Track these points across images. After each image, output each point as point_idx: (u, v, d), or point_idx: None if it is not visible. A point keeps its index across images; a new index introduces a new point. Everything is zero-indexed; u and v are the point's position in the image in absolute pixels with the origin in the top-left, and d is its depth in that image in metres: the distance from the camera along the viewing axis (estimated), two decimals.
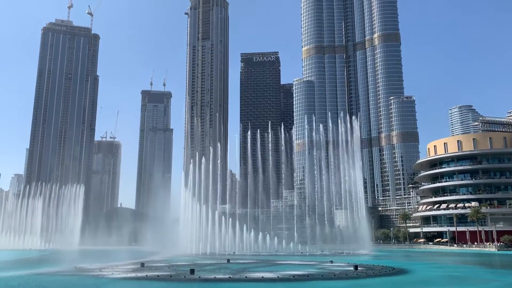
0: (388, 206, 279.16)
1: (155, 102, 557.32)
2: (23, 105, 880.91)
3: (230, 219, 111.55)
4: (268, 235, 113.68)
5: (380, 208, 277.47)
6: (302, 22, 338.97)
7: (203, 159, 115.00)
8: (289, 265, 63.43)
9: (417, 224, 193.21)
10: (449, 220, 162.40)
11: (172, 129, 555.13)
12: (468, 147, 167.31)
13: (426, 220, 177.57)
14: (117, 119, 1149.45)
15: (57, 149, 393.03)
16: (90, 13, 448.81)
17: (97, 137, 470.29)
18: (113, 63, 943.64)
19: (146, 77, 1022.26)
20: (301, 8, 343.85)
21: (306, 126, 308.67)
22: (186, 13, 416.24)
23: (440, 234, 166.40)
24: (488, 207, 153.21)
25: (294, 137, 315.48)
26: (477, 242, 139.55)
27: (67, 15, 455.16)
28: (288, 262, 69.96)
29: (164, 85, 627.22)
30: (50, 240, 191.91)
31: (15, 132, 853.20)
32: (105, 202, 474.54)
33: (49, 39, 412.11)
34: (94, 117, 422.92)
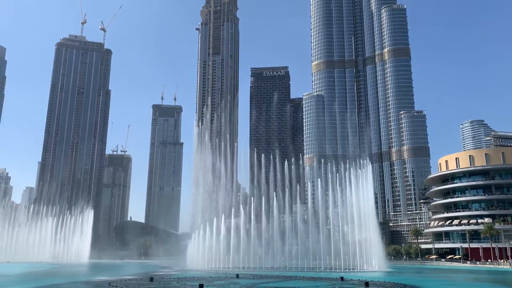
0: (399, 221, 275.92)
1: (165, 116, 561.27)
2: (35, 119, 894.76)
3: (240, 233, 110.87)
4: (278, 250, 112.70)
5: (391, 224, 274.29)
6: (312, 37, 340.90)
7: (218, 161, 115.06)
8: (298, 280, 62.70)
9: (429, 240, 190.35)
10: (461, 236, 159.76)
11: (182, 143, 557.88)
12: (480, 162, 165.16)
13: (438, 236, 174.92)
14: (128, 133, 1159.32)
15: (69, 162, 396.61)
16: (103, 29, 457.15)
17: (108, 151, 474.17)
18: (125, 77, 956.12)
19: (157, 91, 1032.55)
20: (311, 23, 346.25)
21: (316, 141, 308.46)
22: (197, 29, 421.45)
23: (453, 251, 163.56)
24: (502, 224, 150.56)
25: (304, 151, 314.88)
26: (490, 259, 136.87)
27: (80, 31, 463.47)
28: (298, 277, 69.18)
29: (175, 99, 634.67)
30: (60, 253, 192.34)
31: (28, 145, 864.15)
32: (115, 215, 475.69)
33: (62, 54, 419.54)
34: (105, 131, 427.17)
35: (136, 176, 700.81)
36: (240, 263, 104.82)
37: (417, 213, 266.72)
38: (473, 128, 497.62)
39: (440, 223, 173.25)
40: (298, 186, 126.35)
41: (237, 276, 66.92)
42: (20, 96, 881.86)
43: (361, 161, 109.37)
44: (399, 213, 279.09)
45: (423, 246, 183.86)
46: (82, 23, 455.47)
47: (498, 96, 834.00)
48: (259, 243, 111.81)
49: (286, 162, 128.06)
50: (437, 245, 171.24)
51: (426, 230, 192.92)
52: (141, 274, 71.90)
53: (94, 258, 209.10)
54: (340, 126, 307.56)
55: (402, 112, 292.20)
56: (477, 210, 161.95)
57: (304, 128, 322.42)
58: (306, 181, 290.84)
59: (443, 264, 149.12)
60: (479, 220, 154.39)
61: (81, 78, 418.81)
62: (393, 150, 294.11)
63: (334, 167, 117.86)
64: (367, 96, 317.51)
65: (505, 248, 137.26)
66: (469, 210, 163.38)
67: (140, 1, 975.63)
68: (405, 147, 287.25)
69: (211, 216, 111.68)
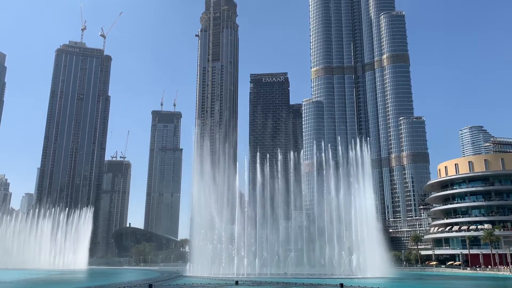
0: (399, 227, 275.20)
1: (165, 122, 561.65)
2: (35, 125, 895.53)
3: (241, 239, 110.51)
4: (277, 256, 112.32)
5: (390, 230, 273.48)
6: (311, 43, 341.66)
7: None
8: (298, 287, 62.34)
9: (429, 247, 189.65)
10: (461, 242, 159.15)
11: (182, 149, 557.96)
12: (479, 168, 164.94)
13: (438, 242, 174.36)
14: (127, 139, 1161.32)
15: (68, 168, 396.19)
16: (102, 35, 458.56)
17: (107, 157, 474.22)
18: (125, 83, 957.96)
19: (157, 97, 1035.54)
20: (310, 29, 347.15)
21: (315, 147, 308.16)
22: (196, 35, 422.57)
23: (453, 257, 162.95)
24: (502, 230, 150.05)
25: (303, 157, 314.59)
26: (491, 265, 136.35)
27: (80, 37, 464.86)
28: (298, 284, 68.77)
29: (175, 105, 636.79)
30: (59, 260, 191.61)
31: (27, 151, 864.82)
32: (114, 221, 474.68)
33: (62, 60, 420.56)
34: (105, 137, 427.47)
35: (135, 182, 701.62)
36: (240, 270, 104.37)
37: (417, 219, 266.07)
38: (472, 134, 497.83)
39: (440, 229, 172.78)
40: (298, 192, 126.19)
41: (236, 283, 66.54)
42: (20, 102, 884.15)
43: (361, 167, 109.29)
44: (398, 219, 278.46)
45: (423, 253, 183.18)
46: (82, 30, 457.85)
47: (497, 102, 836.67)
48: (260, 250, 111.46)
49: (285, 169, 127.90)
50: (437, 251, 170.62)
51: (426, 236, 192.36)
52: (139, 281, 71.45)
53: (93, 264, 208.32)
54: (339, 132, 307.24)
55: (401, 118, 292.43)
56: (477, 216, 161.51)
57: (304, 133, 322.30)
58: (305, 187, 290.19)
59: (443, 270, 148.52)
60: (479, 226, 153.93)
61: (81, 84, 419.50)
62: (393, 156, 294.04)
63: (333, 174, 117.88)
64: (366, 102, 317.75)
65: (505, 255, 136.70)
66: (469, 216, 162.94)
67: (140, 8, 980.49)
68: (404, 153, 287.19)
69: (210, 223, 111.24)
